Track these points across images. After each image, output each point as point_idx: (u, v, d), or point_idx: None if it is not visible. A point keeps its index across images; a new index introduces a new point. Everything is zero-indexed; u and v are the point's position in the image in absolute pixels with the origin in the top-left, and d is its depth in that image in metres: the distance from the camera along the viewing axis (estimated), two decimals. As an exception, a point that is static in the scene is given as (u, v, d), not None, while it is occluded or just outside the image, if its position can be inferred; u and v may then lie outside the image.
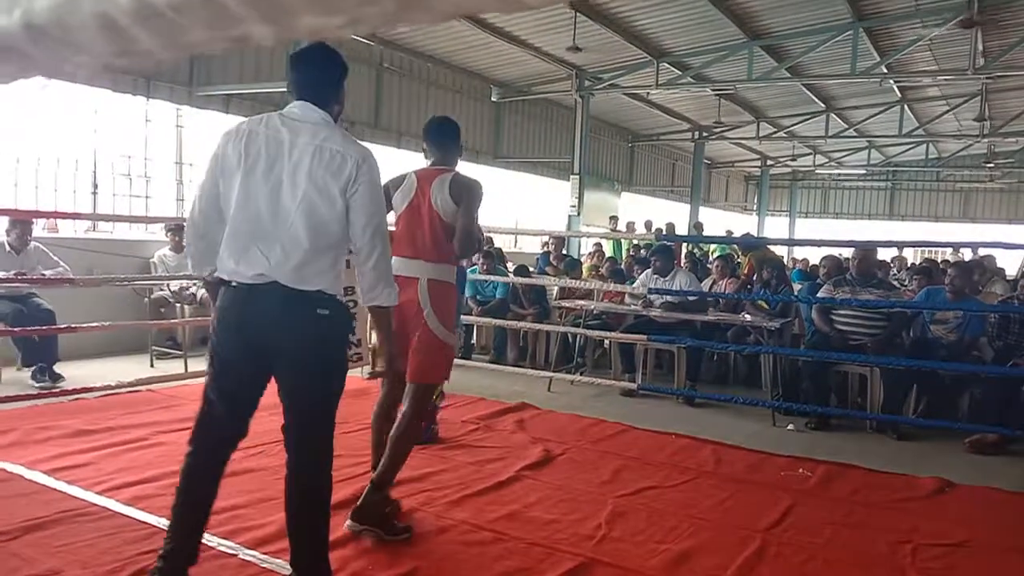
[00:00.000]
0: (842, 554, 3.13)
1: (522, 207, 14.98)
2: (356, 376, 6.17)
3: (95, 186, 8.07)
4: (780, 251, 12.95)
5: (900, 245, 11.49)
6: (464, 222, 3.08)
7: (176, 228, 7.04)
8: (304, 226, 2.24)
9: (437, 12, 0.75)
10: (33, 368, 5.41)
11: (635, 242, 11.13)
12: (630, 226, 13.65)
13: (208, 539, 2.91)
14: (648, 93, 12.94)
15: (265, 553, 2.85)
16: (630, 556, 2.98)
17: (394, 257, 2.75)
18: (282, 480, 3.60)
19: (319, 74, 2.40)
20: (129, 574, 2.63)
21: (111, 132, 8.35)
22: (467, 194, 3.10)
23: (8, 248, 5.54)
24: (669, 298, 6.37)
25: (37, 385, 5.25)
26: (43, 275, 5.52)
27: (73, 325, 5.20)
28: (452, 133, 3.35)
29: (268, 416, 4.64)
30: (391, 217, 3.05)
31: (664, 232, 11.52)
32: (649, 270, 6.66)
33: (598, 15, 9.64)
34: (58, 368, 5.49)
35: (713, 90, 13.03)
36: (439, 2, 0.70)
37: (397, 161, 11.32)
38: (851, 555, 3.13)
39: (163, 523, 3.03)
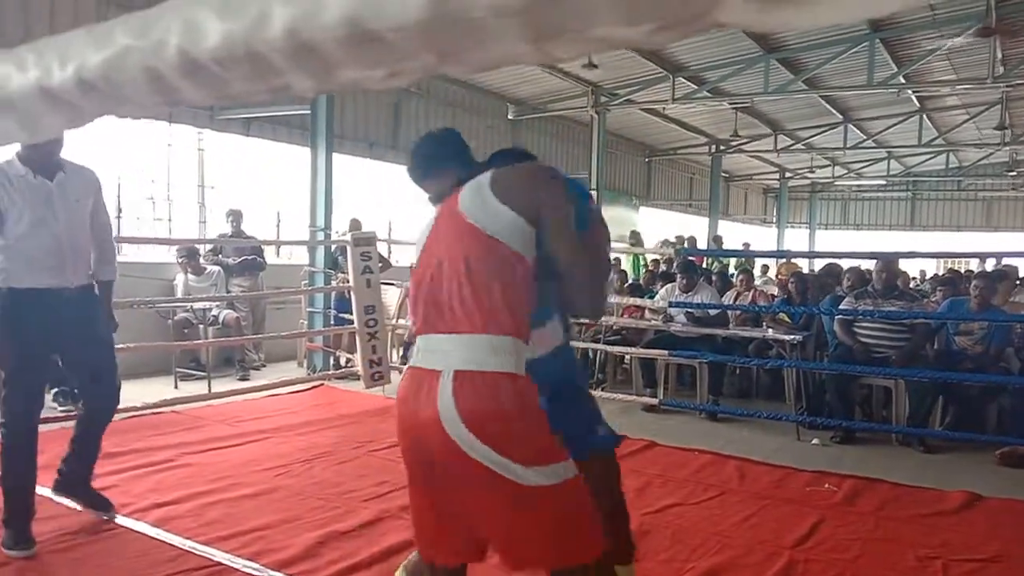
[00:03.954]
0: (871, 570, 3.10)
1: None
2: (380, 395, 6.21)
3: (119, 209, 8.19)
4: (801, 263, 12.86)
5: (923, 256, 11.36)
6: (564, 233, 1.72)
7: (190, 253, 7.12)
8: None
9: (472, 65, 0.76)
10: (55, 391, 5.47)
11: (655, 257, 11.11)
12: (664, 242, 13.52)
13: (232, 560, 2.95)
14: (664, 108, 12.94)
15: (289, 574, 2.85)
16: (655, 575, 2.96)
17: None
18: (308, 500, 3.61)
19: None
20: (159, 596, 2.65)
21: (135, 156, 8.49)
22: (536, 183, 1.78)
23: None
24: (692, 312, 6.36)
25: (60, 408, 5.30)
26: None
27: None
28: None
29: (293, 436, 4.65)
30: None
31: (686, 246, 11.50)
32: (670, 285, 6.64)
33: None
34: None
35: (730, 104, 13.00)
36: (474, 56, 0.72)
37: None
38: (880, 571, 3.09)
39: (190, 545, 3.07)
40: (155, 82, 0.82)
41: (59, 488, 3.26)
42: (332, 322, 7.45)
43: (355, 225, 7.92)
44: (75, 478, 3.26)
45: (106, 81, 0.84)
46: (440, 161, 1.99)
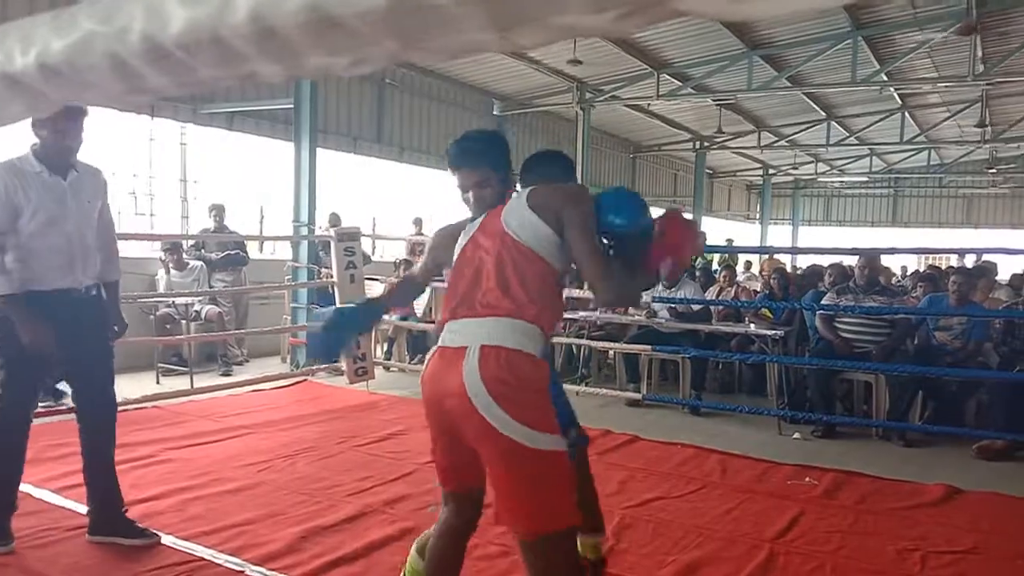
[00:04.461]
0: (850, 562, 3.13)
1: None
2: (363, 390, 6.20)
3: (100, 204, 8.13)
4: (784, 259, 12.94)
5: (904, 252, 11.47)
6: (585, 245, 1.94)
7: (173, 247, 7.08)
8: None
9: (437, 52, 0.76)
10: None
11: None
12: None
13: (215, 555, 2.93)
14: (649, 104, 12.97)
15: (272, 569, 2.85)
16: (638, 568, 2.98)
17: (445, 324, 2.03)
18: (291, 495, 3.61)
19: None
20: (138, 591, 2.63)
21: (117, 150, 8.42)
22: (567, 200, 1.99)
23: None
24: (675, 307, 6.38)
25: (40, 404, 5.25)
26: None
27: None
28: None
29: (275, 432, 4.63)
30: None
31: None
32: (653, 280, 6.65)
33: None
34: (62, 386, 5.50)
35: (714, 100, 13.05)
36: (438, 43, 0.72)
37: (399, 175, 11.40)
38: (859, 563, 3.12)
39: (172, 540, 3.05)
40: (119, 68, 0.81)
41: (96, 530, 3.04)
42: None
43: (335, 220, 7.88)
44: (107, 512, 3.06)
45: (69, 67, 0.83)
46: (476, 157, 2.17)
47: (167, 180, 9.02)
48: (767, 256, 12.71)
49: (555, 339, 6.82)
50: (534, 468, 1.83)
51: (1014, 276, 9.39)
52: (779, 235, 23.75)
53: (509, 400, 1.81)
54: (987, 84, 10.85)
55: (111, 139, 8.28)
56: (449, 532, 2.14)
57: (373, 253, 9.36)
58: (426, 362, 2.04)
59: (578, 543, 2.35)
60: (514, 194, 2.14)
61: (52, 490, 3.57)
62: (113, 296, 3.25)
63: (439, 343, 1.99)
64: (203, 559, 2.90)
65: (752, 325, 6.32)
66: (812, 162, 20.35)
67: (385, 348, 7.64)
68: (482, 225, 2.08)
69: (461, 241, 2.11)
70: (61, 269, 2.94)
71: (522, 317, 1.89)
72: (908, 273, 12.97)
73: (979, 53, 9.96)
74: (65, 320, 2.92)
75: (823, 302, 5.74)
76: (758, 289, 8.44)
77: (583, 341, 6.68)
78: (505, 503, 1.88)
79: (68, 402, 5.14)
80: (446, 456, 2.06)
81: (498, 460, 1.86)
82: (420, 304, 7.45)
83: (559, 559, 1.86)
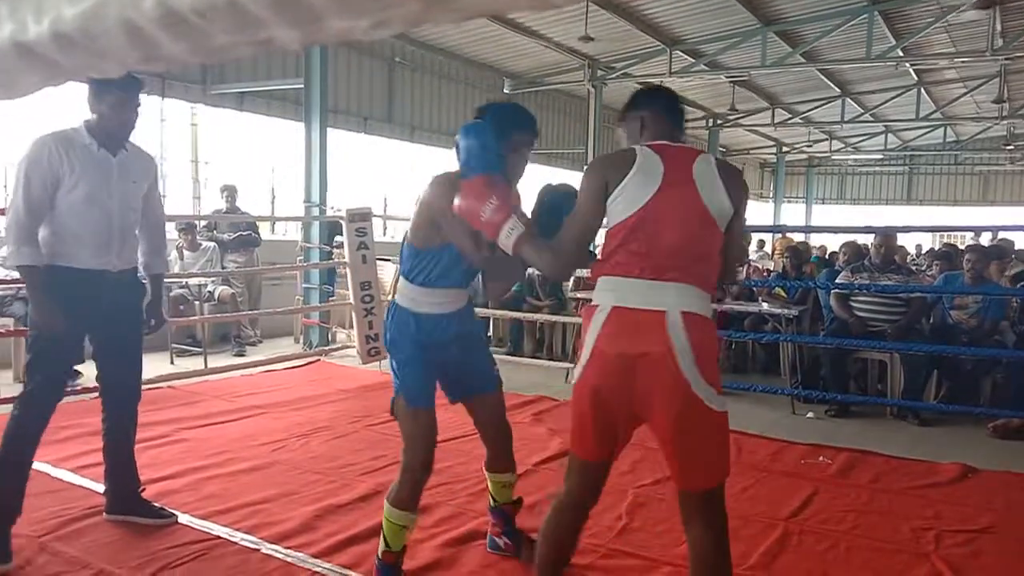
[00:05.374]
0: (864, 541, 3.12)
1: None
2: (376, 370, 6.22)
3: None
4: (797, 238, 12.85)
5: (919, 230, 11.35)
6: (740, 235, 2.18)
7: (188, 227, 7.09)
8: None
9: (462, 11, 0.74)
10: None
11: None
12: None
13: (231, 534, 2.96)
14: (661, 81, 12.85)
15: (288, 547, 2.86)
16: (652, 546, 2.98)
17: (618, 279, 1.99)
18: (305, 474, 3.63)
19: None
20: (156, 568, 2.66)
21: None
22: (746, 195, 2.12)
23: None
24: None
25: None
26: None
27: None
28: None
29: (289, 411, 4.66)
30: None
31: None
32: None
33: (610, 4, 9.58)
34: (77, 367, 5.53)
35: (727, 77, 12.91)
36: (461, 2, 0.70)
37: (410, 155, 11.36)
38: (874, 542, 3.11)
39: (188, 519, 3.07)
40: (134, 35, 0.79)
41: (112, 510, 3.05)
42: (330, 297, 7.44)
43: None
44: (125, 492, 3.06)
45: (83, 34, 0.81)
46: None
47: (178, 161, 9.03)
48: (780, 235, 12.63)
49: (567, 319, 6.80)
50: (715, 425, 1.97)
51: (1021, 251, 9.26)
52: (793, 214, 23.58)
53: (704, 363, 1.92)
54: (1006, 59, 10.67)
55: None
56: (576, 506, 2.18)
57: (384, 233, 9.35)
58: (597, 323, 1.98)
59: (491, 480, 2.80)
60: (699, 158, 2.06)
61: (70, 469, 3.61)
62: (157, 289, 3.17)
63: (614, 302, 1.97)
64: (219, 537, 2.92)
65: (765, 304, 6.29)
66: (826, 140, 20.15)
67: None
68: (675, 174, 2.01)
69: (648, 179, 2.00)
70: (96, 248, 2.82)
71: (705, 287, 2.01)
72: (923, 252, 12.86)
73: (998, 27, 9.79)
74: (94, 301, 2.82)
75: (838, 280, 5.70)
76: (770, 268, 8.39)
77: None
78: (690, 461, 1.99)
79: (82, 383, 5.20)
80: (608, 421, 2.03)
81: (683, 418, 1.94)
82: (387, 280, 7.43)
83: (723, 500, 2.07)
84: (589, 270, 2.13)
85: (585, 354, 2.00)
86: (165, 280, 6.75)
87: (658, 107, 2.22)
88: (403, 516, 2.49)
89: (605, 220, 2.07)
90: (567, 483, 2.17)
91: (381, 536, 2.54)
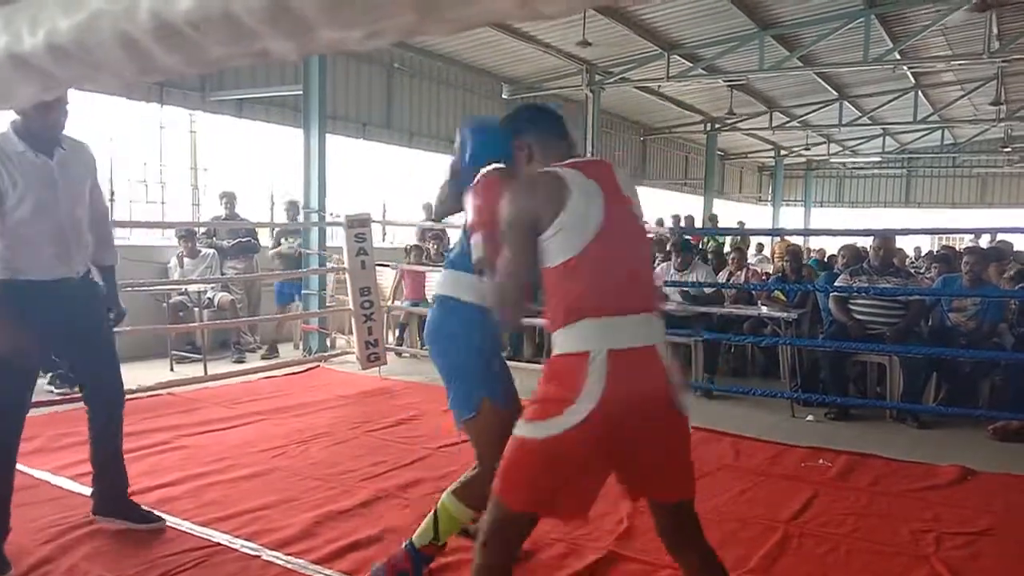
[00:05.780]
0: (864, 544, 3.12)
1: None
2: (375, 376, 6.22)
3: (112, 192, 8.15)
4: (796, 241, 12.86)
5: (917, 233, 11.36)
6: None
7: (188, 234, 7.10)
8: None
9: (455, 23, 0.74)
10: (51, 374, 5.46)
11: (650, 236, 11.07)
12: (659, 221, 13.50)
13: (231, 541, 2.95)
14: (659, 86, 12.87)
15: (288, 554, 2.86)
16: (653, 550, 2.97)
17: (601, 320, 1.80)
18: (305, 481, 3.62)
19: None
20: (156, 576, 2.66)
21: (126, 139, 8.43)
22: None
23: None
24: (687, 291, 6.36)
25: (56, 391, 5.30)
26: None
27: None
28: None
29: (289, 418, 4.65)
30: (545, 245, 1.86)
31: (683, 225, 11.50)
32: (665, 263, 6.63)
33: (607, 9, 9.60)
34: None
35: (725, 81, 12.93)
36: (456, 13, 0.70)
37: (408, 161, 11.36)
38: (873, 545, 3.11)
39: (188, 525, 3.07)
40: (129, 47, 0.80)
41: (100, 511, 3.03)
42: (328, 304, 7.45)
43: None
44: (113, 493, 3.04)
45: (78, 46, 0.82)
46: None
47: (177, 168, 9.03)
48: (779, 238, 12.63)
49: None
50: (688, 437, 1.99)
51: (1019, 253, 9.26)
52: (791, 217, 23.59)
53: (679, 385, 1.91)
54: (1003, 61, 10.70)
55: (121, 127, 8.31)
56: (507, 571, 1.98)
57: (384, 239, 9.36)
58: (597, 370, 1.76)
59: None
60: (616, 168, 1.96)
61: (69, 477, 3.60)
62: (110, 281, 3.10)
63: (609, 346, 1.78)
64: (219, 544, 2.92)
65: (764, 308, 6.29)
66: (824, 143, 20.17)
67: (397, 334, 7.65)
68: (614, 192, 1.88)
69: (590, 200, 1.83)
70: (56, 258, 2.74)
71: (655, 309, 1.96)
72: (922, 254, 12.87)
73: (995, 30, 9.81)
74: (59, 310, 2.75)
75: (836, 283, 5.70)
76: (769, 272, 8.39)
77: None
78: (688, 473, 1.99)
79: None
80: (603, 473, 1.95)
81: (684, 439, 1.96)
82: (387, 286, 7.45)
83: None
84: (546, 318, 1.90)
85: (583, 406, 1.75)
86: (165, 287, 6.83)
87: (543, 128, 2.08)
88: (469, 515, 2.52)
89: (548, 257, 1.85)
90: (497, 546, 1.92)
91: (430, 527, 2.54)
